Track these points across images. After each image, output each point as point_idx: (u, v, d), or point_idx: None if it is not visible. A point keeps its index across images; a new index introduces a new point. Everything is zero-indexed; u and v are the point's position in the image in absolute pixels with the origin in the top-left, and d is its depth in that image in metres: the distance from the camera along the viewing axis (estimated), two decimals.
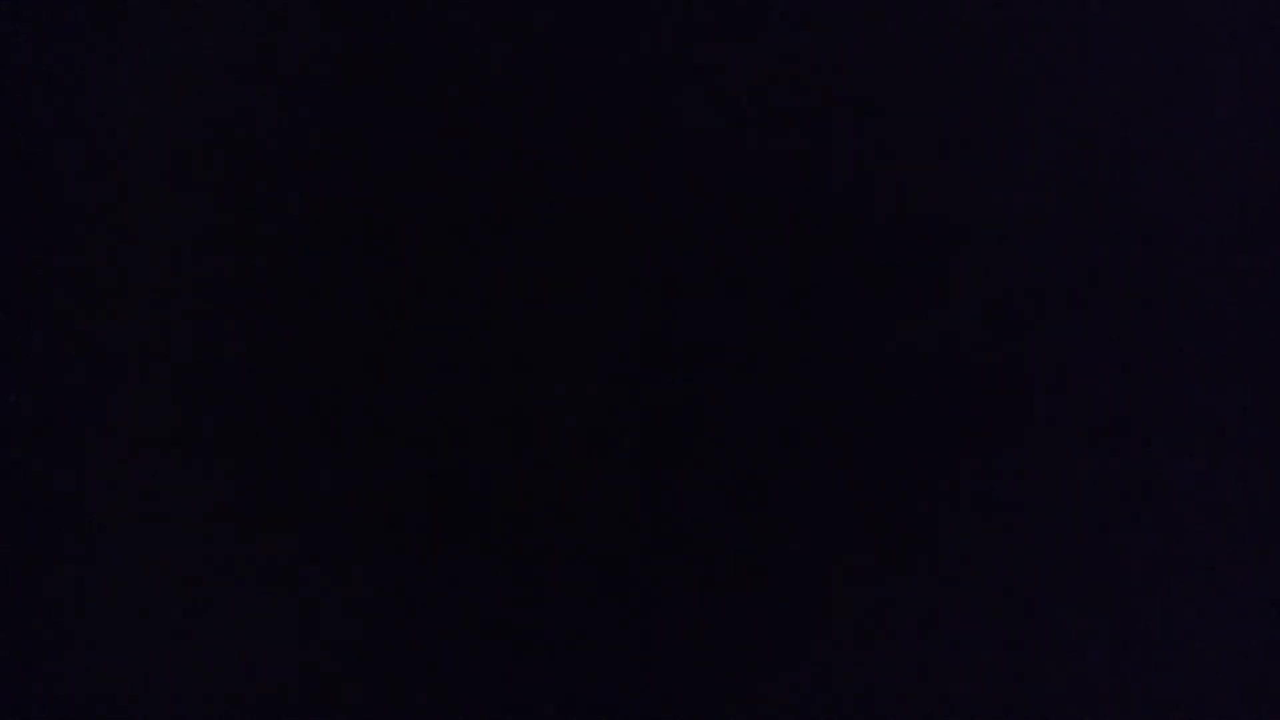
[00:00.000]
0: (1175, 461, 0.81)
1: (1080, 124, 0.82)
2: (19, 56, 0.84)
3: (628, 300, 0.79)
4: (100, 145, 0.82)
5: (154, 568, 0.80)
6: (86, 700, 0.81)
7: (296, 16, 0.82)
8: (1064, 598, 0.80)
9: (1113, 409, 0.80)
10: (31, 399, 0.82)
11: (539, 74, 0.80)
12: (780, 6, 0.81)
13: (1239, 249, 0.83)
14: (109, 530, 0.80)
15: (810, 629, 0.79)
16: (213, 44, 0.82)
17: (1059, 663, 0.80)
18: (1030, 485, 0.80)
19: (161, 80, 0.82)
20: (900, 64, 0.81)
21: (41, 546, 0.82)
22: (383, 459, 0.79)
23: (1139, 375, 0.81)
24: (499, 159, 0.80)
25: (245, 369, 0.80)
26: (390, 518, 0.79)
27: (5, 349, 0.82)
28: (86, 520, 0.81)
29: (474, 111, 0.80)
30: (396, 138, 0.81)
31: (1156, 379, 0.81)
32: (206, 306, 0.81)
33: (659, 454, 0.79)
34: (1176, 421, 0.81)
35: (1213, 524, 0.82)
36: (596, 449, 0.79)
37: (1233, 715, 0.82)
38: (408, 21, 0.81)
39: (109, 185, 0.82)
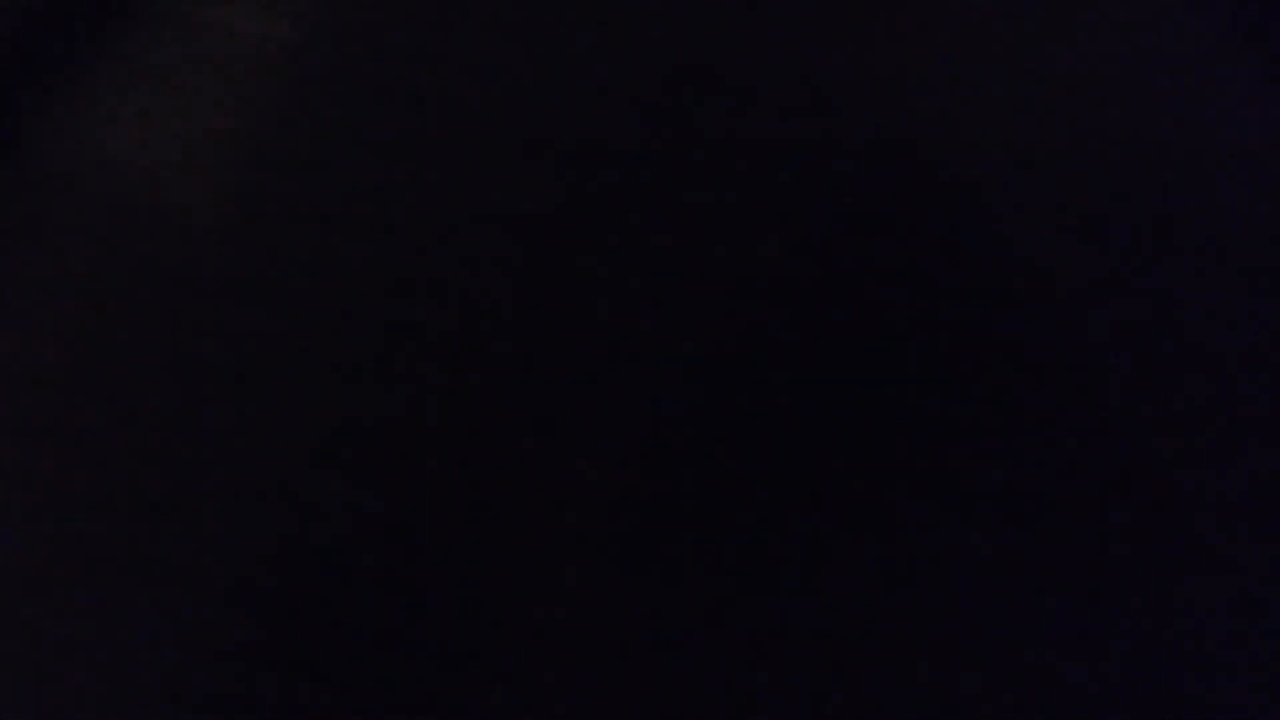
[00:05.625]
0: (1181, 459, 0.81)
1: (1087, 120, 0.82)
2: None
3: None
4: None
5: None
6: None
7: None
8: (1066, 596, 0.80)
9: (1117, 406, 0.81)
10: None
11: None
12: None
13: (1246, 246, 0.83)
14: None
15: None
16: None
17: (1059, 661, 0.81)
18: (1032, 482, 0.80)
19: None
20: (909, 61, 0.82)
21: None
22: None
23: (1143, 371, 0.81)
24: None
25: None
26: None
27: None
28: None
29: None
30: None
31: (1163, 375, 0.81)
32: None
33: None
34: (1183, 419, 0.81)
35: (1216, 522, 0.82)
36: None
37: (1232, 715, 0.82)
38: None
39: None
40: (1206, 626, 0.82)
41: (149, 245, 0.82)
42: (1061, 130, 0.82)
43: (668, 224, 0.79)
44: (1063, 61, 0.83)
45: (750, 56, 0.81)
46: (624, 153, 0.80)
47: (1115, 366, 0.81)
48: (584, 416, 0.79)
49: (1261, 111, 0.84)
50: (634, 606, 0.78)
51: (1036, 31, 0.83)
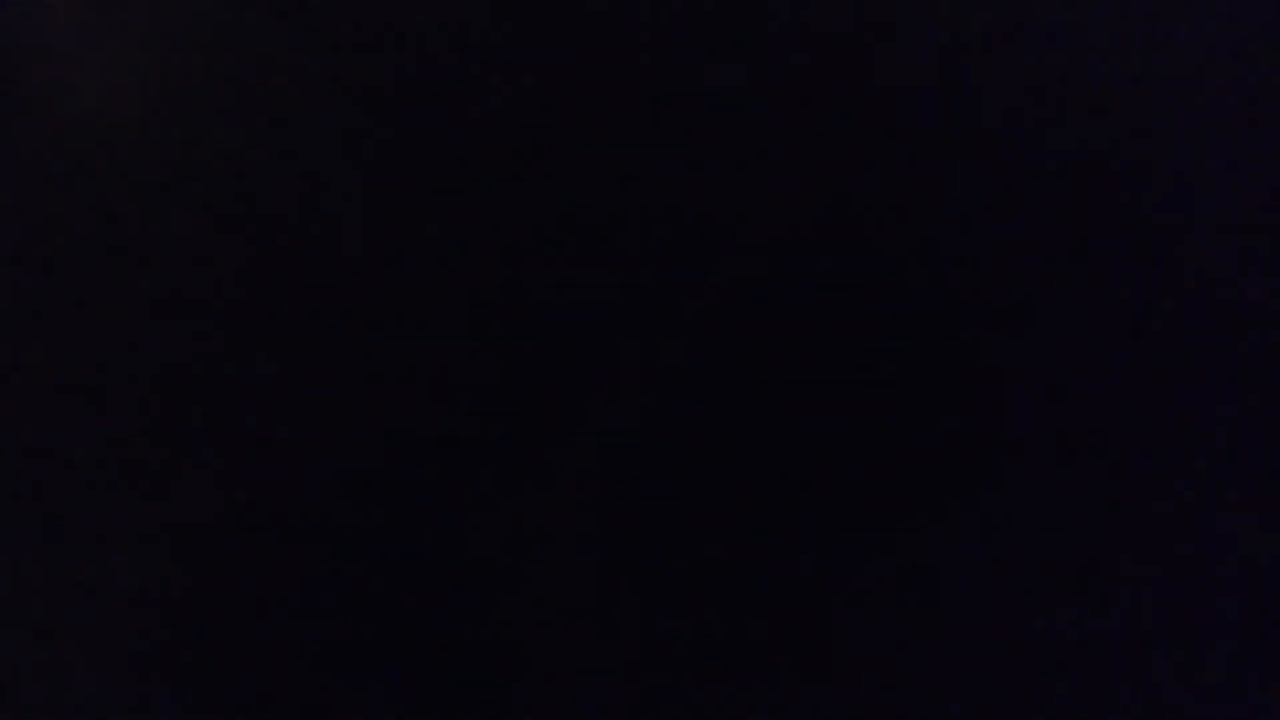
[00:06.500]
0: (1177, 461, 0.81)
1: (1081, 124, 0.82)
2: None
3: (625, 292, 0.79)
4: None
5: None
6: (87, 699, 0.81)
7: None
8: (1064, 597, 0.80)
9: (1114, 408, 0.80)
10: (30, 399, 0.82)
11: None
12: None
13: (1240, 248, 0.83)
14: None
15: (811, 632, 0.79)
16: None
17: (1057, 663, 0.80)
18: (1029, 486, 0.80)
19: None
20: (901, 62, 0.81)
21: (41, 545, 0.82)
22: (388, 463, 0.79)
23: (1141, 373, 0.81)
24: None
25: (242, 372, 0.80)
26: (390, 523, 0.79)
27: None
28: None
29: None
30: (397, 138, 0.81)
31: (1158, 377, 0.81)
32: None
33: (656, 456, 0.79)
34: (1178, 421, 0.81)
35: (1214, 523, 0.82)
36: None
37: (1232, 715, 0.82)
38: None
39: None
40: (1207, 626, 0.81)
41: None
42: (1061, 130, 0.81)
43: (666, 223, 0.79)
44: (1062, 62, 0.82)
45: (751, 54, 0.81)
46: (617, 151, 0.79)
47: (1113, 368, 0.81)
48: (583, 418, 0.78)
49: (1263, 112, 0.84)
50: (632, 608, 0.78)
51: (1036, 32, 0.82)
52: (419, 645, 0.78)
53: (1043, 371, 0.80)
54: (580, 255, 0.79)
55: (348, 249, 0.80)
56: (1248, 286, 0.82)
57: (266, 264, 0.80)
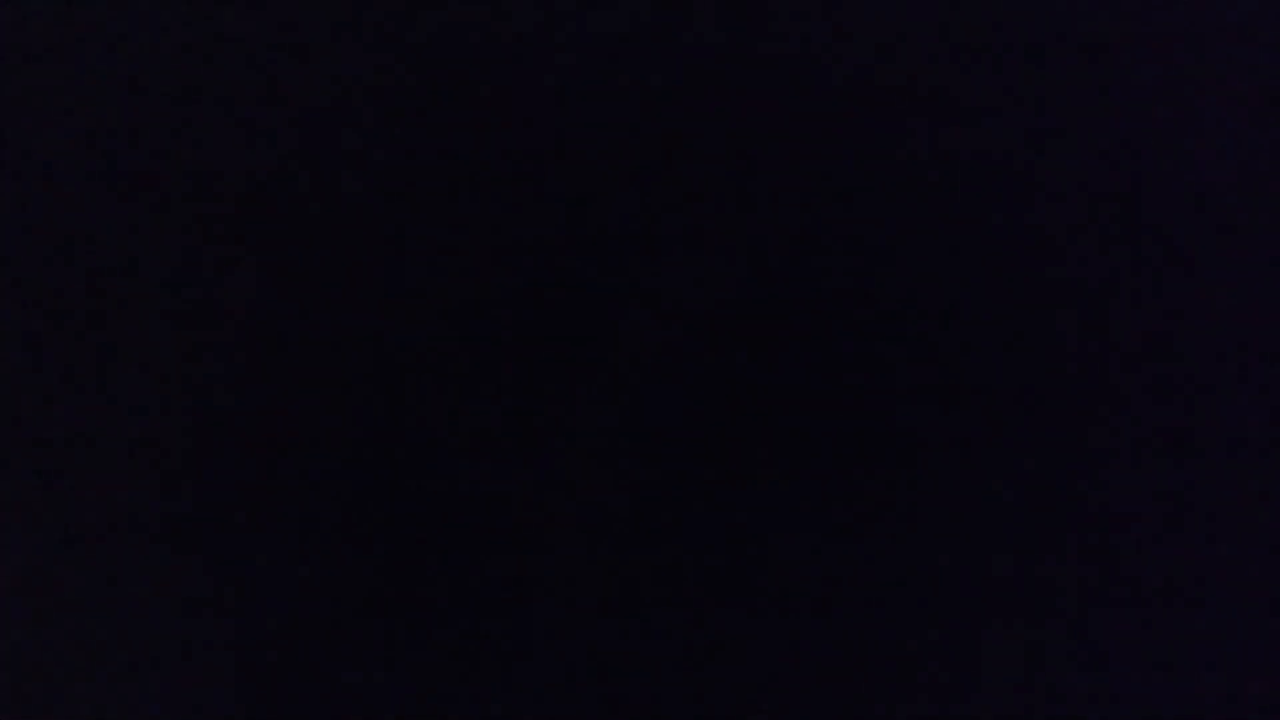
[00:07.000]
0: (1177, 463, 0.81)
1: (1084, 127, 0.82)
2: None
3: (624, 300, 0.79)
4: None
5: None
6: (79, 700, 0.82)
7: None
8: (1066, 600, 0.80)
9: (1115, 410, 0.81)
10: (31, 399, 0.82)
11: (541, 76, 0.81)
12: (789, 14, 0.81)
13: (1239, 249, 0.83)
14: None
15: (808, 632, 0.79)
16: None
17: (1059, 665, 0.80)
18: (1030, 486, 0.80)
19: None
20: (904, 64, 0.81)
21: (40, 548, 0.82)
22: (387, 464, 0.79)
23: (1142, 377, 0.81)
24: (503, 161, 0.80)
25: (245, 373, 0.80)
26: (391, 524, 0.79)
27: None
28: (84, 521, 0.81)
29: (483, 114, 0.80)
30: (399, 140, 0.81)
31: (1159, 381, 0.81)
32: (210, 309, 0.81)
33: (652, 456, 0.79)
34: (1179, 422, 0.81)
35: (1213, 526, 0.82)
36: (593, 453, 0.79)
37: (1232, 715, 0.82)
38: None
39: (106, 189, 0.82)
40: (1206, 627, 0.81)
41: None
42: (1060, 131, 0.81)
43: (664, 224, 0.79)
44: (1061, 65, 0.83)
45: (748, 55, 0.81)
46: (616, 152, 0.79)
47: (1109, 368, 0.81)
48: (580, 422, 0.78)
49: (1261, 116, 0.84)
50: (627, 610, 0.78)
51: (1034, 31, 0.83)
52: (419, 645, 0.79)
53: (1037, 372, 0.80)
54: (579, 256, 0.79)
55: (347, 248, 0.80)
56: (1248, 287, 0.82)
57: (266, 263, 0.81)
